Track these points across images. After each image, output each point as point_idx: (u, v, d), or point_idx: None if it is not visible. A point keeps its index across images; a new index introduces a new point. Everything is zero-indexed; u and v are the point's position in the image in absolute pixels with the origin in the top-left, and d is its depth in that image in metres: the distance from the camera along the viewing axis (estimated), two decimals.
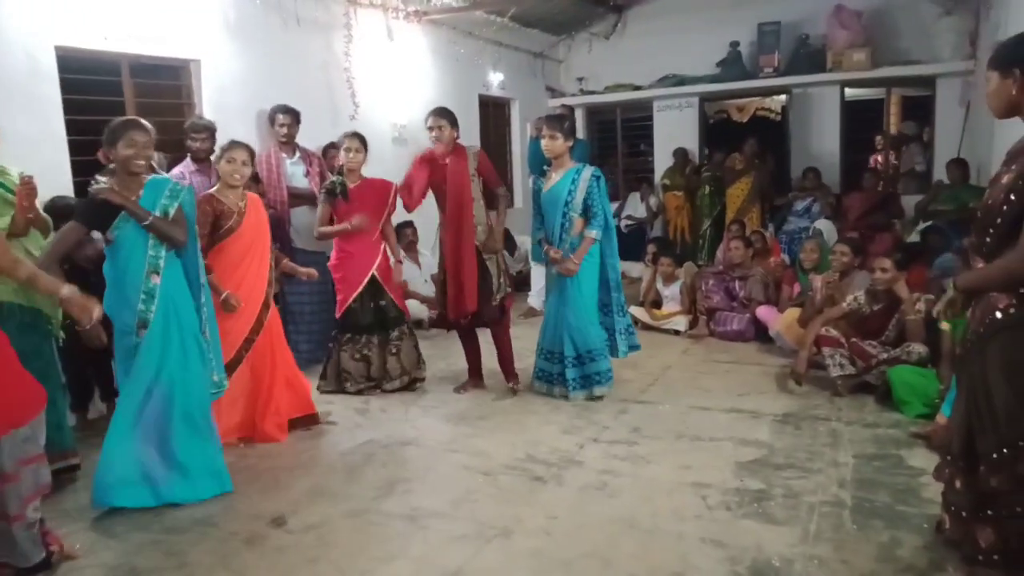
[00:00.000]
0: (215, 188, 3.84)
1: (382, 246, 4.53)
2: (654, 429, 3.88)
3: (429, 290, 6.14)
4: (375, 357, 4.58)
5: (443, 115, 4.31)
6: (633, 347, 4.54)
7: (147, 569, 2.67)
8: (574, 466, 3.44)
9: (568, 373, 4.31)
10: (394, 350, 4.59)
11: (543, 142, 4.28)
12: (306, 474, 3.47)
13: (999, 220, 2.13)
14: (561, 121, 4.32)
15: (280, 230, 4.96)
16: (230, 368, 3.69)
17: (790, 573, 2.48)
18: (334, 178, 4.46)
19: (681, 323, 5.98)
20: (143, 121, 3.16)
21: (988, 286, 2.22)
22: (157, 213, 3.08)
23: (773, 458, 3.44)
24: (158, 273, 3.12)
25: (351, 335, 4.54)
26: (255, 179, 4.95)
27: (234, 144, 3.82)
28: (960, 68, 7.55)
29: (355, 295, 4.45)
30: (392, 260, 4.61)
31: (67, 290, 2.56)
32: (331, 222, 4.45)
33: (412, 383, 4.65)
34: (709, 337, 5.81)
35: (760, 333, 5.61)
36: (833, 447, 3.55)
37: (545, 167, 4.41)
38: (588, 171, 4.25)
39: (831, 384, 4.33)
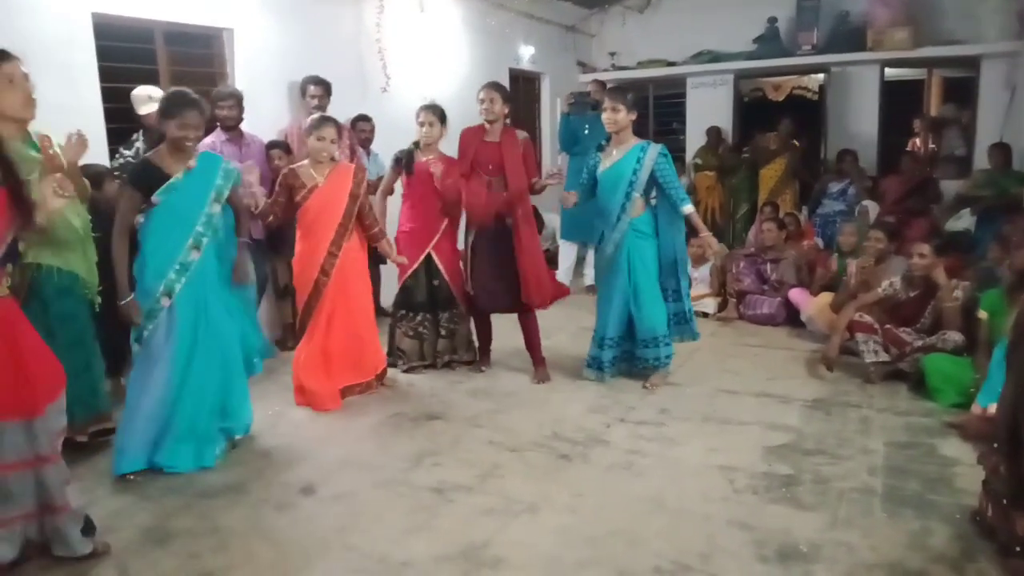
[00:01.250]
0: (304, 162, 4.00)
1: (442, 225, 4.42)
2: (681, 411, 3.86)
3: None
4: (429, 335, 4.54)
5: (496, 88, 4.16)
6: (687, 336, 4.34)
7: (181, 532, 2.72)
8: (600, 445, 3.44)
9: (648, 354, 4.20)
10: (444, 332, 4.54)
11: (604, 115, 4.06)
12: (335, 444, 3.51)
13: None
14: (623, 93, 4.10)
15: None
16: (300, 327, 4.04)
17: (817, 558, 2.47)
18: (408, 147, 4.38)
19: (710, 305, 5.92)
20: (198, 99, 3.21)
21: None
22: (212, 195, 3.23)
23: (802, 443, 3.41)
24: (199, 249, 3.19)
25: (405, 311, 4.51)
26: (287, 150, 4.97)
27: (324, 121, 3.91)
28: (1006, 49, 7.30)
29: (410, 272, 4.40)
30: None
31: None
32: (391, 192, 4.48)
33: (465, 363, 4.61)
34: (738, 320, 5.75)
35: (791, 317, 5.54)
36: (864, 434, 3.51)
37: (604, 142, 4.21)
38: (655, 149, 4.02)
39: (863, 371, 4.27)
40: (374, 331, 4.22)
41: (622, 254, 4.11)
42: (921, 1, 7.71)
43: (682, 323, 4.30)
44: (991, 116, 7.51)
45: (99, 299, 3.31)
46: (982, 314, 3.99)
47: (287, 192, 3.94)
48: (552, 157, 8.69)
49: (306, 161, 4.00)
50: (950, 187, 7.07)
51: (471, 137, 4.24)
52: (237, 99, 4.63)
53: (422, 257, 4.39)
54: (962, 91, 8.21)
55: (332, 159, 4.01)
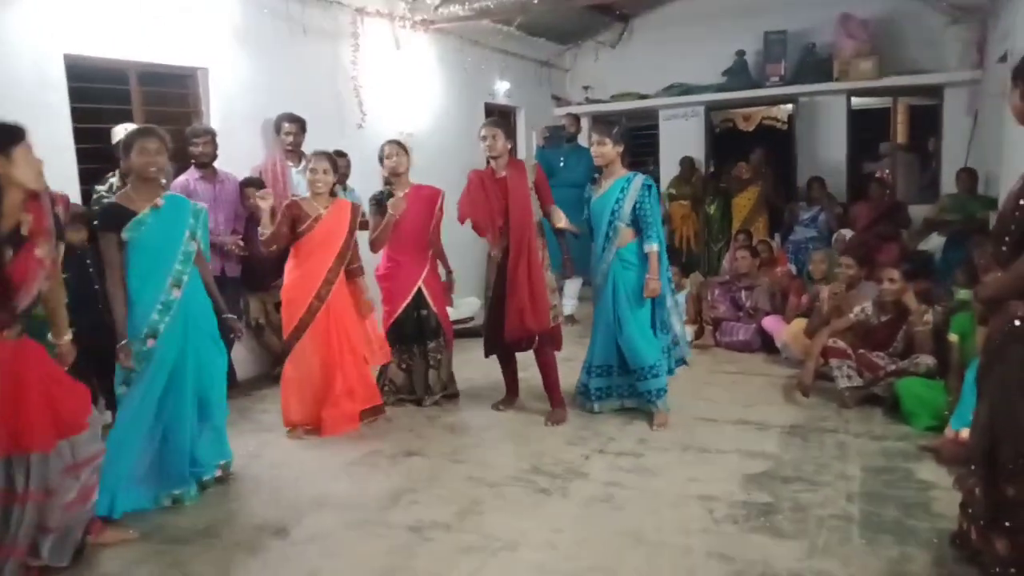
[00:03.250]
0: (305, 195, 4.11)
1: (429, 255, 4.46)
2: (660, 440, 3.85)
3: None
4: (418, 368, 4.54)
5: (496, 124, 4.16)
6: (681, 360, 4.34)
7: None
8: (579, 478, 3.42)
9: (608, 382, 4.21)
10: (433, 362, 4.53)
11: (592, 149, 4.13)
12: (310, 484, 3.46)
13: (1012, 227, 2.16)
14: (610, 126, 4.17)
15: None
16: (290, 339, 4.04)
17: None
18: (383, 188, 4.40)
19: (687, 333, 5.94)
20: (156, 128, 3.25)
21: (1005, 294, 2.22)
22: (187, 233, 3.24)
23: (780, 471, 3.42)
24: (180, 287, 3.19)
25: (397, 345, 4.48)
26: (261, 187, 4.96)
27: (316, 154, 4.08)
28: (967, 77, 7.53)
29: (403, 306, 4.40)
30: (444, 273, 4.60)
31: (67, 340, 2.78)
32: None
33: (451, 398, 4.60)
34: (715, 347, 5.79)
35: (766, 343, 5.58)
36: (841, 460, 3.52)
37: (596, 175, 4.24)
38: (639, 179, 4.04)
39: (838, 396, 4.30)
40: (365, 366, 4.25)
41: (608, 284, 4.13)
42: (885, 32, 7.95)
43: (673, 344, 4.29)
44: (955, 142, 7.71)
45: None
46: (953, 337, 4.05)
47: (290, 222, 3.99)
48: None
49: (306, 195, 4.11)
50: (919, 212, 7.21)
51: (478, 177, 4.20)
52: (212, 135, 4.64)
53: (414, 291, 4.39)
54: (927, 118, 8.44)
55: (332, 193, 4.12)
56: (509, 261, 4.08)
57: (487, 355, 4.39)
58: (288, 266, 4.10)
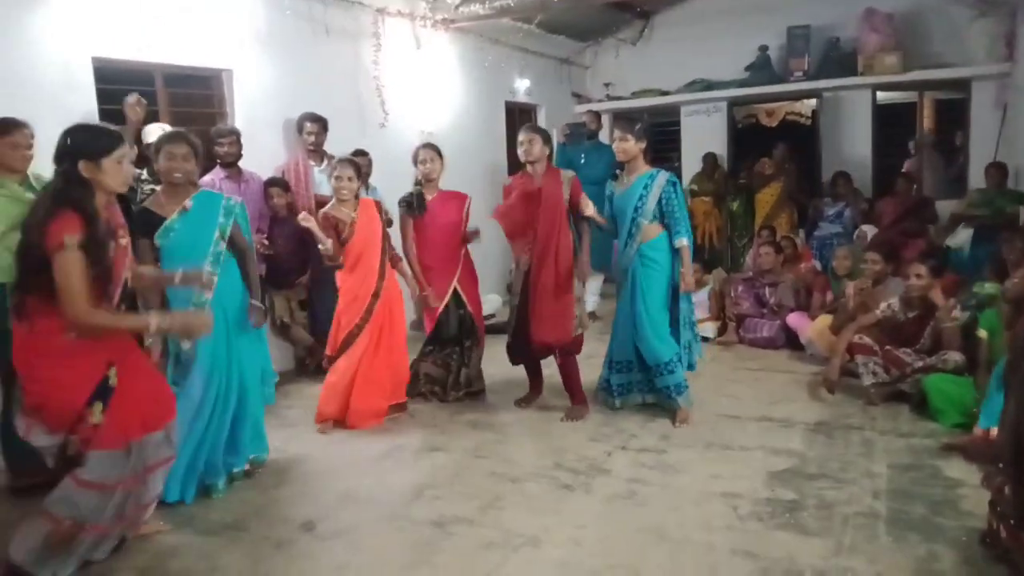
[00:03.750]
0: (330, 204, 4.15)
1: (461, 256, 4.52)
2: (683, 437, 3.84)
3: None
4: (455, 365, 4.60)
5: (535, 130, 4.15)
6: (689, 365, 4.24)
7: (179, 572, 2.71)
8: (602, 474, 3.42)
9: (628, 378, 4.22)
10: (466, 360, 4.60)
11: (614, 145, 4.13)
12: (336, 479, 3.50)
13: None
14: (632, 123, 4.14)
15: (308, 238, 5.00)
16: (340, 350, 4.12)
17: None
18: (412, 190, 4.43)
19: (710, 330, 5.91)
20: (185, 134, 3.30)
21: None
22: (216, 234, 3.27)
23: (805, 468, 3.39)
24: (211, 288, 3.22)
25: (434, 346, 4.60)
26: (285, 188, 5.02)
27: (341, 162, 4.15)
28: (995, 71, 7.39)
29: (441, 308, 4.46)
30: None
31: (156, 320, 2.67)
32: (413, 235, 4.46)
33: (476, 394, 4.63)
34: (738, 344, 5.75)
35: (790, 340, 5.53)
36: (867, 457, 3.49)
37: (617, 171, 4.24)
38: (663, 176, 4.03)
39: (864, 392, 4.26)
40: (402, 361, 4.35)
41: (628, 280, 4.12)
42: (910, 26, 7.84)
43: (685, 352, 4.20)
44: (983, 136, 7.58)
45: None
46: (982, 333, 4.00)
47: (335, 233, 4.07)
48: None
49: (331, 204, 4.16)
50: (945, 207, 7.10)
51: (517, 182, 4.23)
52: (236, 135, 4.70)
53: (450, 291, 4.46)
54: (954, 113, 8.30)
55: (356, 196, 4.17)
56: (532, 271, 4.09)
57: (514, 364, 4.43)
58: (340, 276, 4.19)
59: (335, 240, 4.06)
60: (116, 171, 2.54)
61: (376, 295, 4.12)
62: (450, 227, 4.45)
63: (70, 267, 2.38)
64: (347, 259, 4.13)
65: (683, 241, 4.01)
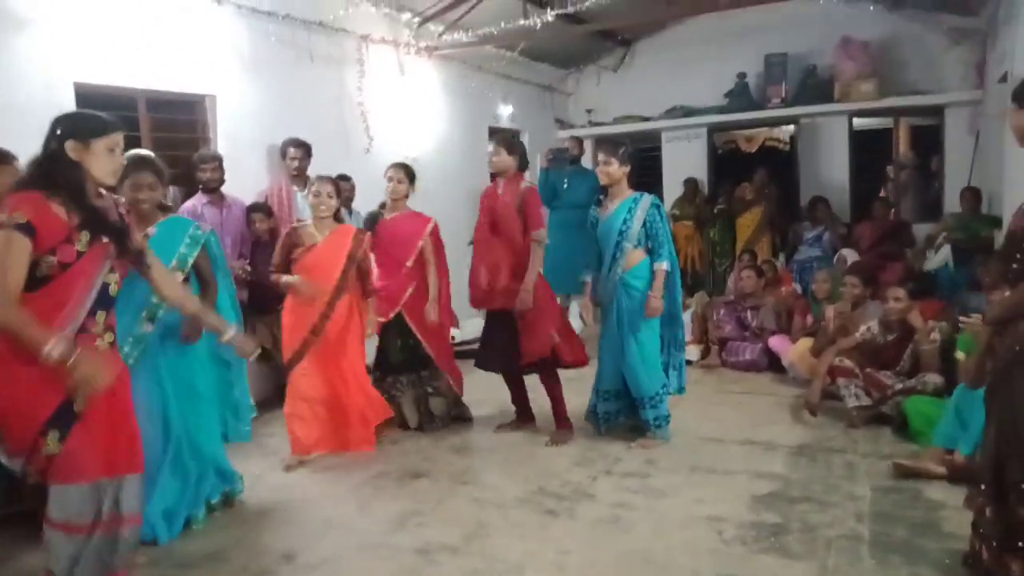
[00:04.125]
0: (308, 221, 4.08)
1: (412, 284, 4.35)
2: (667, 461, 3.83)
3: None
4: (407, 398, 4.44)
5: (499, 140, 4.17)
6: (680, 389, 4.25)
7: None
8: (586, 499, 3.40)
9: (613, 406, 4.19)
10: (431, 390, 4.47)
11: (598, 168, 4.13)
12: (317, 507, 3.45)
13: (1023, 245, 2.16)
14: (617, 147, 4.09)
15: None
16: (290, 364, 4.00)
17: None
18: (378, 206, 4.43)
19: (693, 353, 5.93)
20: (151, 159, 3.18)
21: (1014, 314, 2.21)
22: (174, 263, 3.08)
23: (789, 491, 3.40)
24: (153, 321, 3.06)
25: (379, 374, 4.47)
26: (268, 213, 5.00)
27: (320, 179, 4.03)
28: (968, 98, 7.58)
29: (381, 331, 4.34)
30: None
31: (53, 347, 2.12)
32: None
33: (464, 421, 4.55)
34: (721, 367, 5.77)
35: (772, 363, 5.57)
36: (850, 479, 3.50)
37: (601, 196, 4.22)
38: (647, 200, 4.02)
39: (846, 415, 4.28)
40: (368, 383, 4.21)
41: (614, 308, 4.10)
42: (885, 54, 8.02)
43: (667, 373, 4.19)
44: (958, 161, 7.75)
45: None
46: (960, 355, 4.04)
47: (287, 251, 3.98)
48: None
49: (310, 220, 4.07)
50: (922, 231, 7.22)
51: (487, 192, 4.30)
52: (219, 162, 4.69)
53: (392, 315, 4.32)
54: (928, 138, 8.48)
55: (337, 218, 4.10)
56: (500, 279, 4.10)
57: (478, 367, 4.38)
58: (287, 298, 4.06)
59: (284, 260, 3.96)
60: (107, 159, 2.30)
61: (316, 332, 3.91)
62: (403, 249, 4.32)
63: (8, 245, 2.09)
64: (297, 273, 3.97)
65: (663, 265, 3.98)
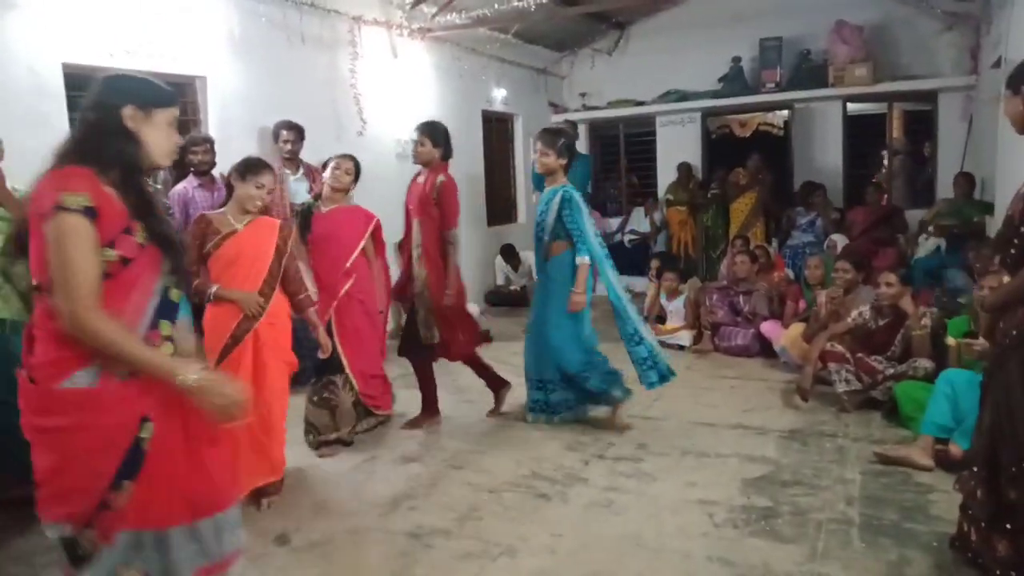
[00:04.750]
0: (224, 208, 3.35)
1: (349, 283, 3.84)
2: (659, 445, 3.85)
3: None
4: (341, 400, 3.91)
5: (423, 130, 4.10)
6: (663, 377, 4.06)
7: None
8: (579, 483, 3.42)
9: (554, 396, 4.16)
10: (346, 394, 3.95)
11: (535, 158, 4.12)
12: (310, 491, 3.46)
13: (1022, 231, 2.15)
14: (555, 136, 4.06)
15: None
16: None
17: None
18: (310, 199, 4.06)
19: (685, 338, 5.96)
20: None
21: (1013, 300, 2.22)
22: None
23: (780, 475, 3.42)
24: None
25: (316, 377, 3.94)
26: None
27: (262, 167, 3.28)
28: (962, 83, 7.57)
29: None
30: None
31: (190, 375, 1.70)
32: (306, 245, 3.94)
33: (384, 421, 4.18)
34: (713, 352, 5.79)
35: (764, 348, 5.59)
36: (840, 463, 3.53)
37: (543, 185, 4.20)
38: (560, 194, 3.97)
39: (837, 400, 4.31)
40: (284, 420, 3.43)
41: (538, 296, 4.19)
42: (879, 38, 8.00)
43: (648, 367, 4.05)
44: (951, 147, 7.76)
45: None
46: (951, 341, 4.07)
47: (198, 242, 3.21)
48: (526, 197, 8.78)
49: (224, 208, 3.34)
50: (915, 216, 7.24)
51: (411, 184, 4.24)
52: (210, 144, 4.65)
53: (327, 318, 3.82)
54: (922, 124, 8.48)
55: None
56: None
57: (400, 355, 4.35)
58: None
59: (196, 254, 3.19)
60: (166, 135, 1.85)
61: (236, 339, 3.17)
62: (340, 248, 3.83)
63: (68, 238, 1.59)
64: (213, 275, 3.22)
65: (584, 259, 3.93)
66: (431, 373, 4.33)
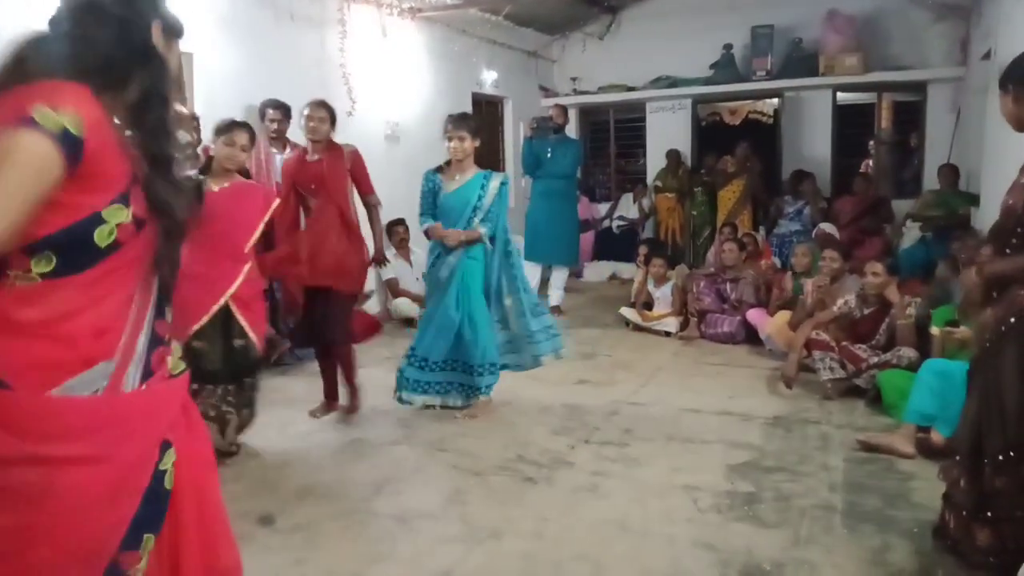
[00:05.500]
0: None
1: (244, 269, 3.35)
2: (645, 431, 3.86)
3: (421, 288, 6.06)
4: (233, 416, 3.49)
5: (324, 106, 3.97)
6: (556, 350, 4.25)
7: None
8: (565, 467, 3.42)
9: (475, 381, 4.10)
10: (248, 402, 3.58)
11: (451, 144, 3.99)
12: (294, 473, 3.44)
13: None
14: (468, 121, 4.09)
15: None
16: None
17: None
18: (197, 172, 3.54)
19: (672, 324, 5.98)
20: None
21: (1016, 275, 2.18)
22: None
23: (764, 461, 3.44)
24: None
25: (198, 385, 3.22)
26: (245, 175, 4.90)
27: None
28: (951, 74, 7.60)
29: (195, 328, 3.22)
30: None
31: None
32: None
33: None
34: (700, 339, 5.81)
35: (750, 335, 5.62)
36: (823, 450, 3.55)
37: (444, 164, 4.14)
38: (497, 179, 4.09)
39: (821, 387, 4.34)
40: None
41: (456, 278, 4.07)
42: (871, 28, 8.00)
43: (553, 336, 4.26)
44: (938, 138, 7.80)
45: None
46: (935, 331, 4.10)
47: None
48: (516, 180, 8.74)
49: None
50: (901, 207, 7.28)
51: (294, 164, 4.07)
52: (196, 122, 4.57)
53: (216, 309, 3.28)
54: (911, 114, 8.51)
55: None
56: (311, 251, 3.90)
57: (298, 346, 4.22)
58: None
59: None
60: (176, 60, 1.47)
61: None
62: (240, 230, 3.36)
63: (12, 160, 1.10)
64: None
65: (483, 229, 4.04)
66: (334, 360, 4.14)
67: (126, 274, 1.25)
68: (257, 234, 3.44)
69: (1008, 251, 2.21)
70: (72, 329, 1.17)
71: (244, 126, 3.47)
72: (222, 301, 3.29)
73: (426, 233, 4.19)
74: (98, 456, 1.17)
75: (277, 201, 3.60)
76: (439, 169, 4.16)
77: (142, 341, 1.27)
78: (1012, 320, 2.18)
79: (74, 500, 1.15)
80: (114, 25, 1.27)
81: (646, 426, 3.93)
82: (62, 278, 1.17)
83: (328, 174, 3.94)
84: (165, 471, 1.28)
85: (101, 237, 1.19)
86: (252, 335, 3.41)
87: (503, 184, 4.12)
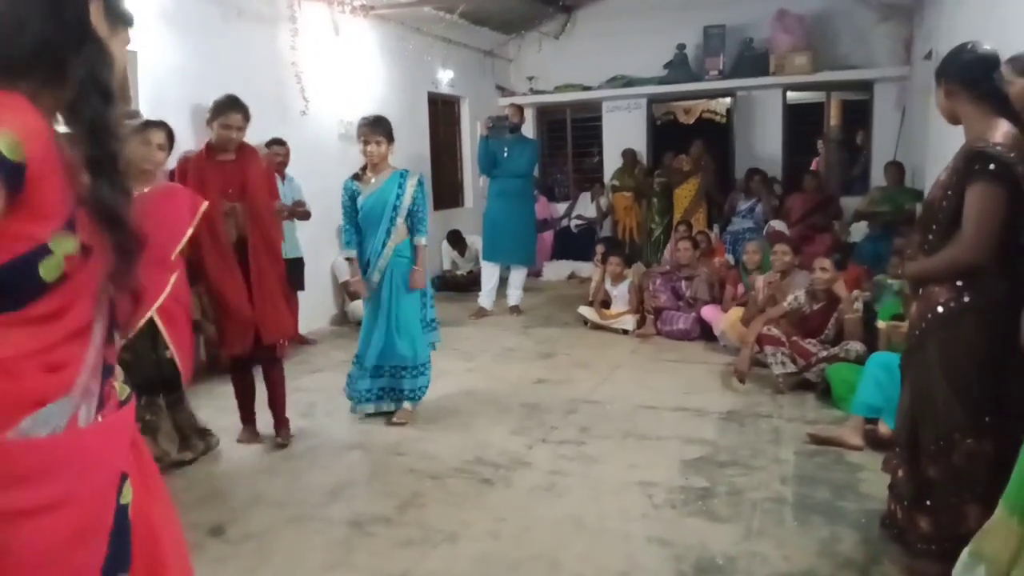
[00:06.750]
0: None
1: (172, 278, 3.18)
2: (602, 428, 3.89)
3: None
4: (164, 425, 3.46)
5: (238, 108, 3.61)
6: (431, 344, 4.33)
7: None
8: (523, 467, 3.43)
9: (404, 384, 4.07)
10: (177, 413, 3.56)
11: (368, 148, 3.95)
12: (246, 480, 3.37)
13: (940, 216, 2.23)
14: (382, 125, 4.00)
15: None
16: None
17: (734, 570, 2.51)
18: None
19: (629, 323, 6.03)
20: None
21: (931, 275, 2.30)
22: None
23: (717, 456, 3.49)
24: None
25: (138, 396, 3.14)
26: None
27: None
28: (896, 73, 7.82)
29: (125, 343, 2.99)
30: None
31: None
32: None
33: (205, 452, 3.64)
34: (656, 336, 5.87)
35: (705, 332, 5.69)
36: (775, 444, 3.62)
37: (360, 171, 4.06)
38: (414, 178, 4.06)
39: (773, 382, 4.42)
40: None
41: (386, 281, 4.05)
42: (819, 28, 8.18)
43: (431, 330, 4.33)
44: (885, 136, 8.01)
45: None
46: (881, 324, 4.20)
47: None
48: (473, 181, 8.73)
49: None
50: (850, 204, 7.46)
51: (190, 163, 3.64)
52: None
53: (143, 322, 3.08)
54: (858, 113, 8.73)
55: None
56: (255, 258, 3.60)
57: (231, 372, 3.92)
58: None
59: None
60: (122, 54, 1.23)
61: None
62: (168, 235, 3.17)
63: None
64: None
65: (423, 240, 4.05)
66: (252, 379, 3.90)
67: (79, 304, 1.11)
68: (185, 240, 3.27)
69: (927, 242, 2.30)
70: (22, 366, 1.04)
71: (160, 124, 3.32)
72: (151, 312, 3.10)
73: (347, 259, 4.18)
74: (59, 501, 1.05)
75: (205, 204, 3.36)
76: (356, 176, 4.09)
77: (92, 378, 1.13)
78: (930, 316, 2.27)
79: (37, 555, 1.03)
80: (36, 20, 1.05)
81: (603, 424, 3.96)
82: (2, 315, 1.03)
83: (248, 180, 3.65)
84: (126, 504, 1.17)
85: (48, 271, 1.04)
86: (173, 348, 3.23)
87: (421, 182, 4.10)
